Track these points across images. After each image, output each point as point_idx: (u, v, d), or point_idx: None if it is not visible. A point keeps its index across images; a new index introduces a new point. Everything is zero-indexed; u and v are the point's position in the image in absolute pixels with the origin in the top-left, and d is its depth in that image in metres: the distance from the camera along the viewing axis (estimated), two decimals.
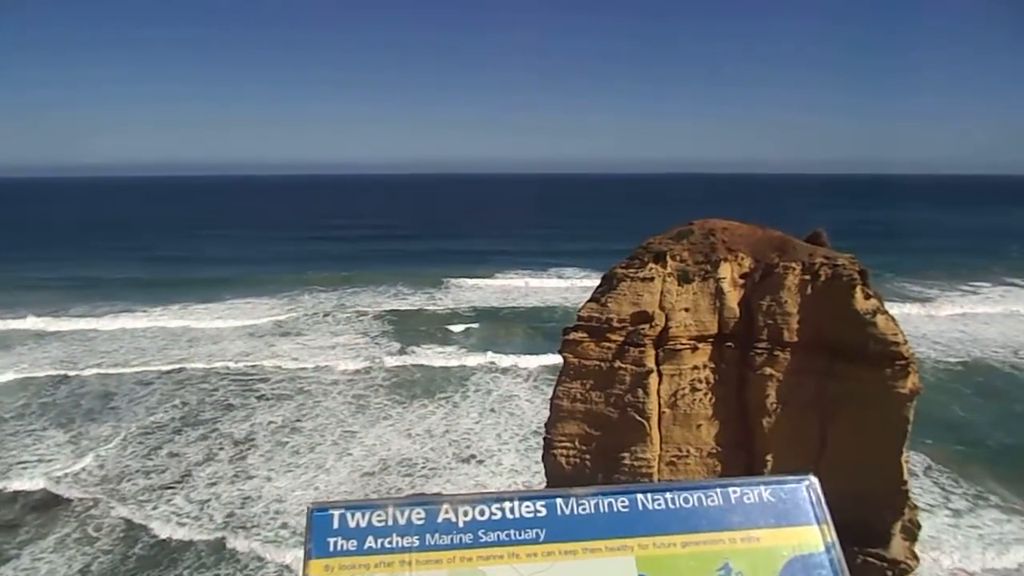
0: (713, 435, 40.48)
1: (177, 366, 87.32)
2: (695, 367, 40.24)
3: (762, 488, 3.55)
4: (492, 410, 73.90)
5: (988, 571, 46.80)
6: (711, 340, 40.79)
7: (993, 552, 48.60)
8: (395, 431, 68.79)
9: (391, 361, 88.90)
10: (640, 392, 38.91)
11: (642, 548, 3.34)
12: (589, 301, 41.56)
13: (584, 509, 3.48)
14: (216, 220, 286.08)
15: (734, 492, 3.53)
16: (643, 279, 40.11)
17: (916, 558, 40.11)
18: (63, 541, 50.85)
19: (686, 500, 3.51)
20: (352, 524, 3.27)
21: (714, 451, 40.47)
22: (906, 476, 39.15)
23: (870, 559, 38.53)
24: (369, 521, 3.29)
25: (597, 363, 39.49)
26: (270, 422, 70.94)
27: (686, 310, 40.20)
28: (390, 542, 3.26)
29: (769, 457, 40.04)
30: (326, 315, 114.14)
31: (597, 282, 43.35)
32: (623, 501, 3.51)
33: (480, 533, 3.33)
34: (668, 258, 40.98)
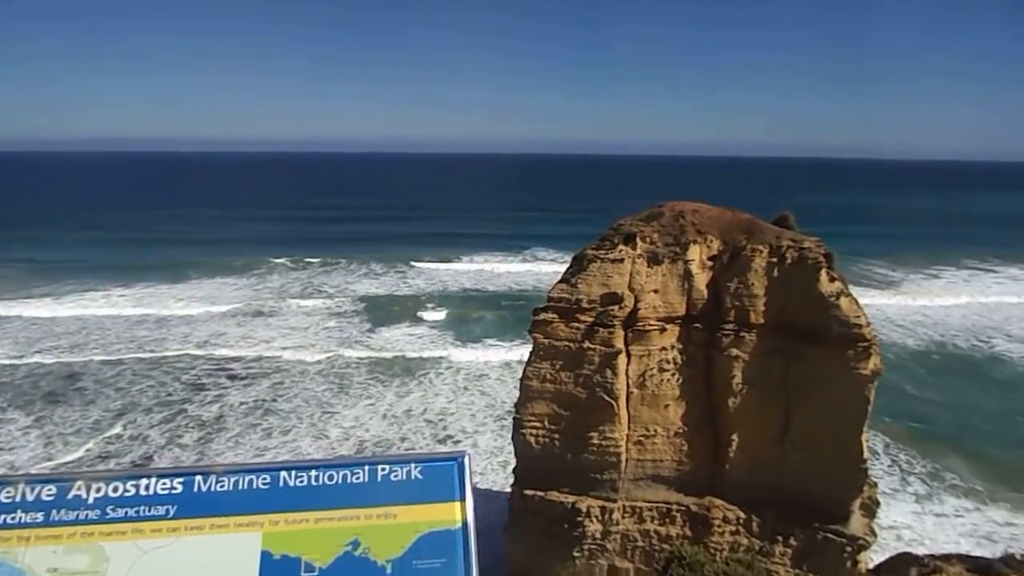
0: (680, 415, 41.01)
1: (143, 348, 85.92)
2: (663, 348, 40.65)
3: (412, 466, 3.68)
4: (466, 388, 74.12)
5: (933, 539, 48.39)
6: (679, 321, 41.21)
7: (950, 529, 50.17)
8: (373, 412, 68.60)
9: (366, 342, 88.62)
10: (609, 372, 39.22)
11: (273, 524, 3.43)
12: (559, 282, 41.70)
13: (223, 486, 3.54)
14: (179, 198, 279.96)
15: (382, 470, 3.65)
16: (613, 260, 40.30)
17: (874, 534, 41.20)
18: None
19: (330, 477, 3.60)
20: None
21: (681, 431, 41.02)
22: (866, 455, 40.10)
23: (830, 535, 39.50)
24: None
25: (567, 343, 39.70)
26: (241, 403, 70.18)
27: (655, 291, 40.52)
28: (13, 518, 3.31)
29: (734, 436, 40.71)
30: (297, 296, 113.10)
31: (568, 264, 43.52)
32: (265, 478, 3.58)
33: (108, 509, 3.39)
34: (638, 240, 41.22)
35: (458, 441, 62.36)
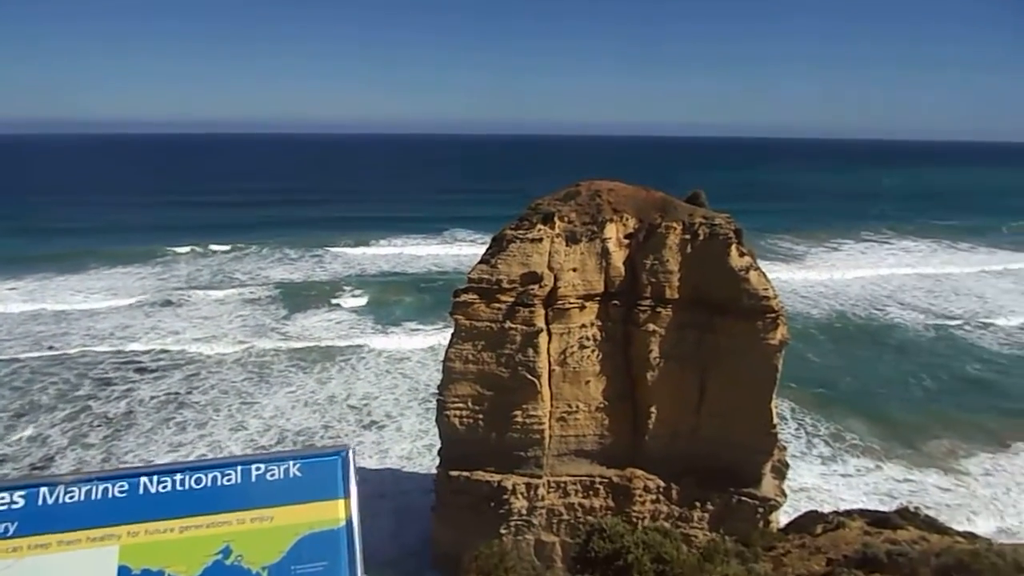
0: (601, 390, 41.91)
1: (40, 345, 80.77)
2: (583, 325, 41.33)
3: (291, 463, 3.43)
4: (388, 372, 73.36)
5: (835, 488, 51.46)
6: (598, 299, 41.96)
7: (853, 487, 53.36)
8: (295, 400, 66.90)
9: (283, 329, 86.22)
10: (530, 351, 39.61)
11: (131, 536, 3.16)
12: (479, 263, 41.67)
13: (72, 497, 3.24)
14: (71, 184, 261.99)
15: (257, 470, 3.41)
16: (532, 240, 40.56)
17: (784, 495, 43.47)
18: None
19: (198, 481, 3.35)
20: None
21: (602, 405, 41.94)
22: (775, 420, 42.17)
23: (744, 498, 41.42)
24: None
25: (488, 324, 39.80)
26: (152, 397, 67.08)
27: (574, 270, 41.06)
28: None
29: (653, 409, 41.94)
30: (206, 285, 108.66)
31: (488, 245, 43.51)
32: (121, 486, 3.31)
33: None
34: (556, 219, 41.59)
35: (383, 426, 61.75)
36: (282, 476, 3.38)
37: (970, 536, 27.33)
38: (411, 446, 57.94)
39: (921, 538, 20.57)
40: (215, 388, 69.52)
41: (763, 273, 42.57)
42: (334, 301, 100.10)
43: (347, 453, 3.52)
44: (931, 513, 44.01)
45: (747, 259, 42.20)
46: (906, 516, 31.61)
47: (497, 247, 41.61)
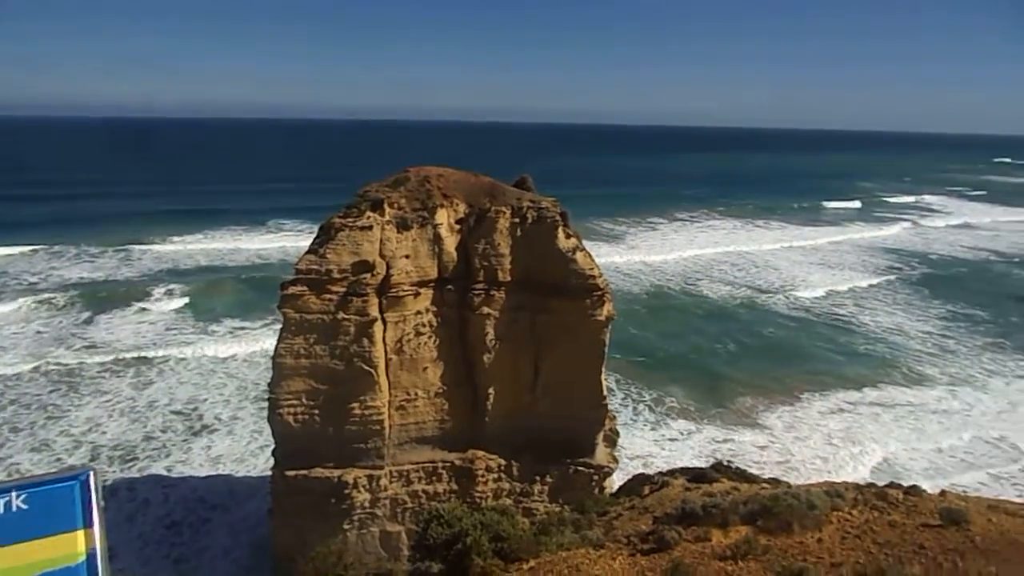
0: (439, 376, 42.06)
1: None
2: (418, 312, 41.18)
3: (13, 495, 2.91)
4: (213, 372, 68.84)
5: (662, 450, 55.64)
6: (432, 285, 41.96)
7: (677, 448, 57.72)
8: (111, 410, 60.49)
9: (86, 334, 77.82)
10: (366, 341, 38.86)
11: None
12: (307, 253, 40.13)
13: None
14: None
15: None
16: (362, 228, 39.66)
17: (616, 461, 46.17)
18: None
19: None
20: None
21: (441, 391, 42.13)
22: (605, 392, 44.58)
23: (579, 468, 43.49)
24: None
25: (320, 316, 38.50)
26: None
27: (406, 257, 40.72)
28: None
29: (491, 390, 42.77)
30: None
31: (315, 234, 41.99)
32: None
33: None
34: (386, 206, 40.95)
35: (215, 430, 57.91)
36: (3, 511, 2.85)
37: (773, 482, 30.51)
38: (245, 449, 54.99)
39: (733, 488, 22.70)
40: (14, 404, 61.35)
41: (589, 253, 44.62)
42: (145, 301, 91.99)
43: (87, 477, 3.04)
44: (744, 465, 48.74)
45: (573, 241, 44.03)
46: (720, 470, 34.69)
47: (325, 236, 40.27)
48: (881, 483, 19.70)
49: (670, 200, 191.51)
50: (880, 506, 14.63)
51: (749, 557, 12.46)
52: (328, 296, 38.61)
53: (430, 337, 41.56)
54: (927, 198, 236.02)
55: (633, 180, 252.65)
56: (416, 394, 41.60)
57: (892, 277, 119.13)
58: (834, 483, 20.53)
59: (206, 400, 63.24)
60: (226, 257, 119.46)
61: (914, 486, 17.68)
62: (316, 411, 39.21)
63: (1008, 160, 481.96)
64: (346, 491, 39.63)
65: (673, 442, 58.31)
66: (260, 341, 74.99)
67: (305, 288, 38.59)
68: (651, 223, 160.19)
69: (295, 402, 39.15)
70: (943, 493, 17.27)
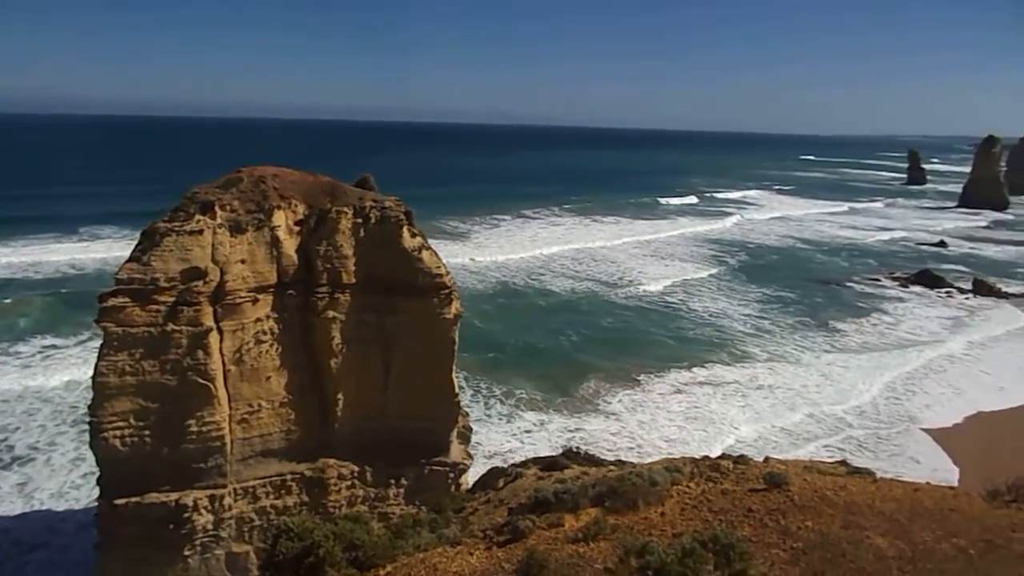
0: (283, 384, 40.28)
1: None
2: (258, 319, 39.16)
3: None
4: (21, 398, 61.41)
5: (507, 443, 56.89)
6: (272, 290, 40.07)
7: (530, 439, 59.06)
8: None
9: None
10: (200, 353, 36.37)
11: None
12: (128, 262, 36.88)
13: None
14: None
15: None
16: (191, 232, 37.06)
17: (471, 457, 46.53)
18: None
19: None
20: None
21: (286, 400, 40.38)
22: (457, 389, 44.77)
23: (435, 467, 43.39)
24: None
25: (146, 329, 35.51)
26: None
27: (242, 262, 38.58)
28: None
29: (340, 395, 41.60)
30: None
31: (137, 241, 38.67)
32: None
33: None
34: (217, 208, 38.53)
35: (29, 461, 51.74)
36: None
37: (619, 463, 32.05)
38: (65, 480, 49.65)
39: (583, 473, 23.58)
40: None
41: (435, 252, 44.58)
42: None
43: None
44: (593, 450, 50.78)
45: (419, 239, 43.78)
46: (570, 456, 35.99)
47: (149, 242, 37.21)
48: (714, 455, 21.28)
49: (514, 198, 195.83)
50: (714, 476, 15.76)
51: (599, 537, 12.96)
52: (155, 307, 35.68)
53: (272, 345, 39.66)
54: (749, 193, 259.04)
55: (477, 178, 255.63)
56: (259, 405, 39.57)
57: (717, 266, 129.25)
58: (673, 459, 21.88)
59: (17, 429, 56.38)
60: (30, 269, 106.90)
61: (742, 456, 19.24)
62: (147, 432, 36.16)
63: (812, 157, 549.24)
64: (185, 515, 36.91)
65: (528, 434, 59.61)
66: (76, 360, 68.07)
67: (128, 299, 35.42)
68: (496, 220, 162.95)
69: (122, 424, 35.87)
70: (767, 460, 18.93)
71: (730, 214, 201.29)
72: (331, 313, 40.89)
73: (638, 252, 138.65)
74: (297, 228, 41.49)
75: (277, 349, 39.97)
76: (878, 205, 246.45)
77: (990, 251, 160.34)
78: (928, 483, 17.50)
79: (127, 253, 38.56)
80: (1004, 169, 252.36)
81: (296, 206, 41.81)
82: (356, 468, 41.78)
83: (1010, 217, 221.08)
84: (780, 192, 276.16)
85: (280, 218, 40.66)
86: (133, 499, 35.96)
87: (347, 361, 41.58)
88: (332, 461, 41.43)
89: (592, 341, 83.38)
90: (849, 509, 13.65)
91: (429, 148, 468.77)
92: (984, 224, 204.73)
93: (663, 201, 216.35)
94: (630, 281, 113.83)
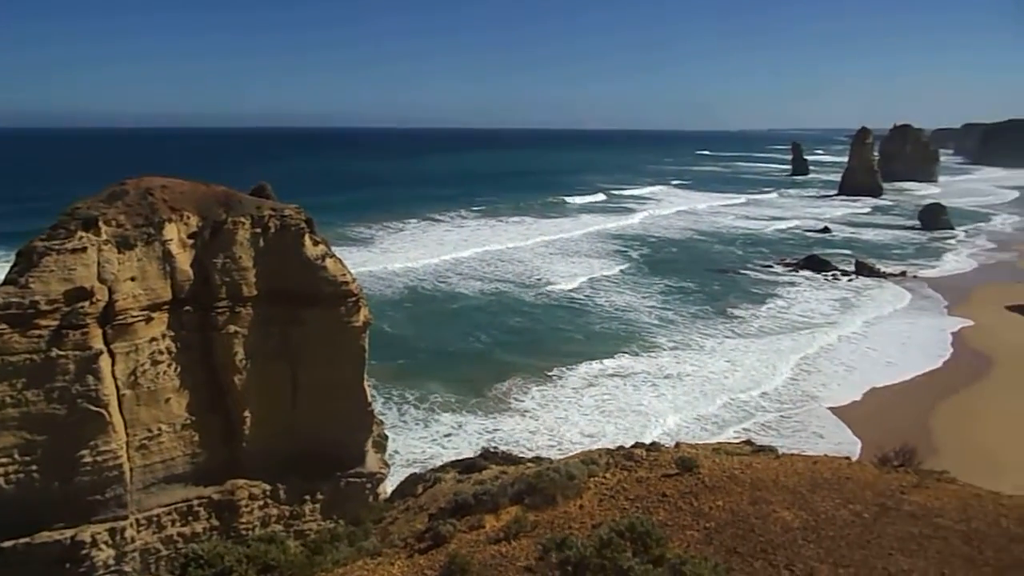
0: (185, 406, 38.42)
1: None
2: (153, 339, 37.15)
3: None
4: None
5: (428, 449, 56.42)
6: (167, 307, 38.11)
7: (448, 443, 58.64)
8: None
9: None
10: (90, 379, 34.15)
11: None
12: (3, 285, 34.22)
13: None
14: None
15: None
16: (73, 250, 34.74)
17: (387, 466, 45.81)
18: None
19: None
20: None
21: (189, 422, 38.53)
22: (369, 398, 43.98)
23: (351, 479, 42.43)
24: None
25: (27, 356, 33.02)
26: None
27: (132, 279, 36.49)
28: None
29: (246, 413, 40.07)
30: None
31: (12, 262, 35.94)
32: None
33: None
34: (101, 224, 36.29)
35: None
36: None
37: (537, 460, 32.32)
38: None
39: (502, 472, 23.63)
40: None
41: (339, 259, 43.60)
42: None
43: None
44: (512, 448, 50.96)
45: (322, 247, 42.72)
46: (488, 457, 35.98)
47: (26, 263, 34.65)
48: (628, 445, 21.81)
49: (419, 201, 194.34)
50: (628, 465, 16.12)
51: (520, 535, 13.02)
52: (36, 332, 33.23)
53: (170, 365, 37.71)
54: (652, 189, 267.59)
55: (380, 183, 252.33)
56: (159, 429, 37.56)
57: (622, 261, 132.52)
58: (589, 452, 22.27)
59: None
60: None
61: (654, 443, 19.81)
62: (34, 467, 33.66)
63: (707, 152, 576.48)
64: (83, 551, 34.59)
65: (447, 437, 59.12)
66: None
67: (5, 326, 32.83)
68: (402, 225, 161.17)
69: (5, 460, 33.26)
70: (678, 445, 19.55)
71: (633, 210, 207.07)
72: (232, 328, 39.31)
73: (545, 251, 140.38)
74: (191, 241, 39.64)
75: (176, 369, 38.05)
76: (769, 196, 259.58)
77: (869, 235, 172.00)
78: (826, 455, 18.55)
79: (0, 275, 35.84)
80: (877, 158, 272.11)
81: (188, 218, 39.94)
82: (268, 487, 40.34)
83: (886, 203, 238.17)
84: (680, 187, 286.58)
85: (171, 231, 38.72)
86: (22, 540, 33.40)
87: (252, 377, 40.08)
88: (242, 482, 39.83)
89: (503, 341, 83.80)
90: (756, 486, 14.27)
91: (328, 154, 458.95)
92: (863, 210, 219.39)
93: (569, 200, 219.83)
94: (538, 280, 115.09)
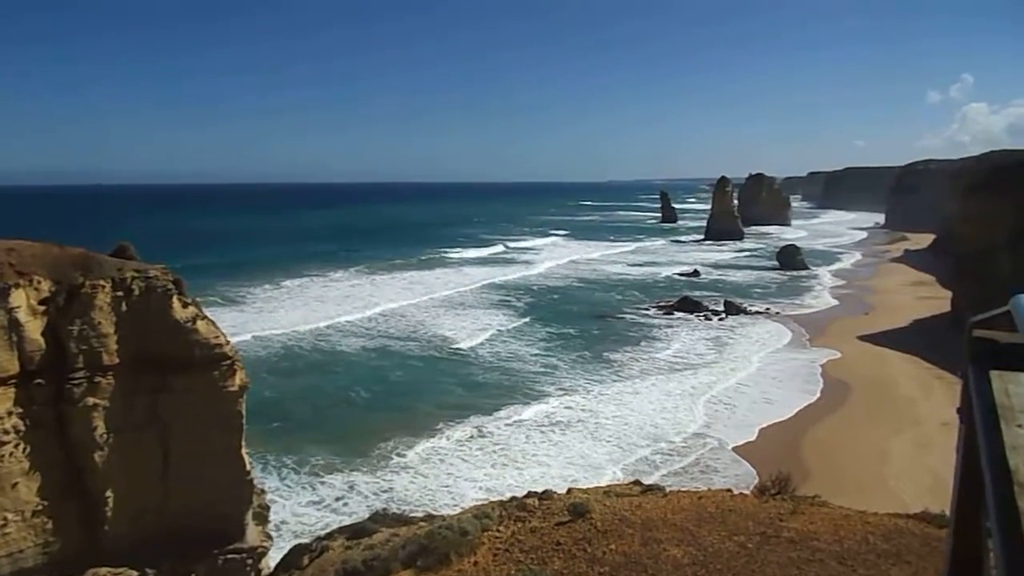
0: (36, 490, 34.74)
1: None
2: None
3: None
4: None
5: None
6: (14, 382, 34.66)
7: (333, 509, 56.02)
8: None
9: None
10: None
11: None
12: None
13: None
14: None
15: None
16: None
17: (270, 538, 43.16)
18: None
19: None
20: None
21: (40, 508, 34.82)
22: (248, 467, 41.52)
23: (230, 555, 39.60)
24: None
25: None
26: None
27: None
28: None
29: (109, 493, 36.74)
30: None
31: None
32: None
33: None
34: None
35: None
36: None
37: (429, 518, 31.51)
38: None
39: (393, 535, 22.82)
40: None
41: (212, 321, 41.46)
42: None
43: None
44: (404, 507, 49.42)
45: (192, 309, 40.49)
46: (377, 519, 34.80)
47: None
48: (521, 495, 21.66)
49: (295, 258, 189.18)
50: (522, 516, 16.02)
51: None
52: None
53: (17, 445, 34.10)
54: (537, 241, 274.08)
55: (253, 240, 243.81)
56: (5, 519, 33.70)
57: (506, 311, 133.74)
58: (481, 505, 21.96)
59: None
60: None
61: (547, 491, 19.82)
62: None
63: (588, 203, 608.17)
64: None
65: (338, 501, 56.38)
66: None
67: None
68: (276, 282, 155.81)
69: None
70: (569, 491, 19.67)
71: (519, 261, 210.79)
72: (91, 400, 36.22)
73: (427, 304, 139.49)
74: (43, 308, 36.46)
75: (24, 450, 34.46)
76: (644, 243, 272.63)
77: (735, 276, 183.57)
78: (709, 489, 19.24)
79: None
80: (736, 204, 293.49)
81: (40, 283, 36.80)
82: (134, 573, 36.90)
83: (748, 246, 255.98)
84: (565, 237, 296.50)
85: (20, 298, 35.50)
86: None
87: (115, 453, 36.92)
88: (104, 570, 36.20)
89: (385, 397, 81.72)
90: (646, 526, 14.55)
91: (193, 211, 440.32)
92: (728, 254, 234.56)
93: (452, 253, 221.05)
94: (421, 335, 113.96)
